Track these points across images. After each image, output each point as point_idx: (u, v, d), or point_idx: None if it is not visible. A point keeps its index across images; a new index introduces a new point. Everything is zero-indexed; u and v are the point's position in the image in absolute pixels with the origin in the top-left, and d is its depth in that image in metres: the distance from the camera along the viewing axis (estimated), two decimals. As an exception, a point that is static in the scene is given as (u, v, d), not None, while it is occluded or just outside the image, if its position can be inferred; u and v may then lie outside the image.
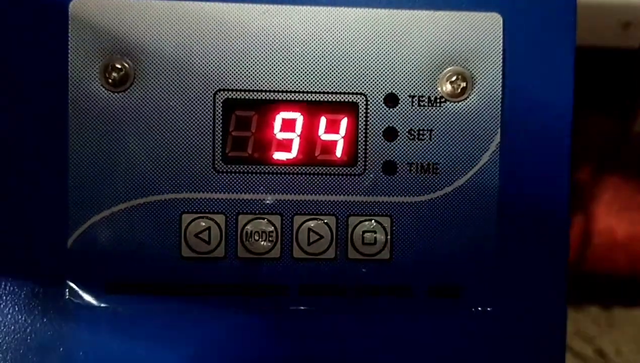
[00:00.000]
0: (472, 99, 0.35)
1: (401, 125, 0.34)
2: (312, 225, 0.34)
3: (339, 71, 0.34)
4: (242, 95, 0.34)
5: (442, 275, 0.35)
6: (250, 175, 0.34)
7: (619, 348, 0.67)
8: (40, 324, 0.34)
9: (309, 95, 0.34)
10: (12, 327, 0.34)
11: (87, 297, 0.34)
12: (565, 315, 0.35)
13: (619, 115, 0.61)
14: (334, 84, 0.34)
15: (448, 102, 0.34)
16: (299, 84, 0.34)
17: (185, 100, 0.34)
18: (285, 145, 0.34)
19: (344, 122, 0.34)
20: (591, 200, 0.65)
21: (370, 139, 0.35)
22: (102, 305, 0.34)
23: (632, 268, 0.66)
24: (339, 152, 0.35)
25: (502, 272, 0.35)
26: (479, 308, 0.35)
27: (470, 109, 0.35)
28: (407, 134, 0.35)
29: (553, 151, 0.35)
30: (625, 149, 0.65)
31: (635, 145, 0.65)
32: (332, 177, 0.34)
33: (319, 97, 0.34)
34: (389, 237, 0.34)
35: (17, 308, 0.34)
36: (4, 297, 0.34)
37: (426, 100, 0.34)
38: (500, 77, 0.34)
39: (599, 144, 0.65)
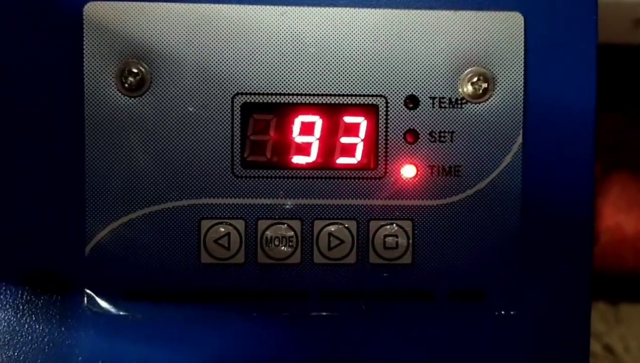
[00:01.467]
0: (494, 100, 0.34)
1: (422, 127, 0.34)
2: (332, 229, 0.34)
3: (358, 73, 0.34)
4: (261, 98, 0.34)
5: (465, 279, 0.34)
6: (269, 179, 0.34)
7: (627, 344, 0.67)
8: (59, 333, 0.34)
9: (328, 97, 0.34)
10: (30, 337, 0.33)
11: (106, 305, 0.34)
12: (590, 317, 0.35)
13: (629, 112, 0.61)
14: (354, 86, 0.34)
15: (469, 104, 0.34)
16: (318, 87, 0.34)
17: (203, 104, 0.33)
18: (305, 149, 0.34)
19: (363, 125, 0.34)
20: (599, 197, 0.64)
21: (390, 142, 0.34)
22: (121, 313, 0.34)
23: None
24: (358, 155, 0.34)
25: (525, 275, 0.34)
26: (502, 312, 0.34)
27: (491, 110, 0.34)
28: (428, 136, 0.34)
29: (576, 151, 0.34)
30: (633, 145, 0.64)
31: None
32: (352, 180, 0.34)
33: (338, 100, 0.34)
34: (410, 241, 0.34)
35: (34, 318, 0.33)
36: (22, 307, 0.33)
37: (447, 101, 0.34)
38: (522, 77, 0.34)
39: (607, 140, 0.65)
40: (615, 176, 0.65)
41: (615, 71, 0.59)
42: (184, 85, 0.33)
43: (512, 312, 0.35)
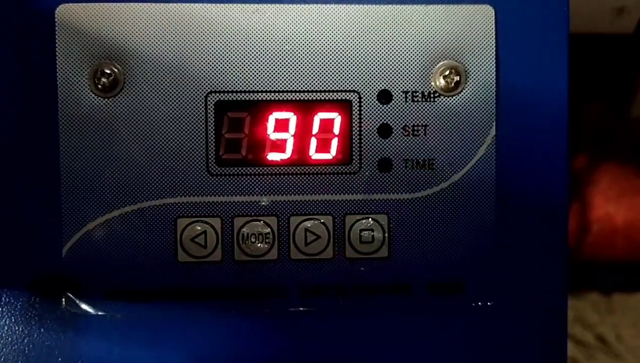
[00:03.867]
0: (466, 93, 0.34)
1: (395, 122, 0.34)
2: (308, 225, 0.34)
3: (330, 69, 0.34)
4: (234, 96, 0.34)
5: (442, 271, 0.35)
6: (244, 177, 0.34)
7: (620, 333, 0.67)
8: (38, 334, 0.34)
9: (302, 94, 0.34)
10: (10, 338, 0.34)
11: (84, 306, 0.34)
12: (566, 306, 0.35)
13: (615, 101, 0.61)
14: (326, 82, 0.34)
15: (442, 97, 0.34)
16: (291, 84, 0.34)
17: (177, 103, 0.33)
18: (279, 146, 0.34)
19: (337, 120, 0.34)
20: (588, 187, 0.64)
21: (364, 137, 0.34)
22: (100, 313, 0.34)
23: (631, 255, 0.65)
24: (333, 151, 0.34)
25: (502, 266, 0.35)
26: (480, 303, 0.35)
27: (464, 103, 0.34)
28: (401, 130, 0.34)
29: (550, 142, 0.35)
30: (620, 134, 0.65)
31: (631, 130, 0.65)
32: (328, 176, 0.34)
33: (312, 96, 0.34)
34: (386, 234, 0.34)
35: (13, 320, 0.34)
36: (1, 309, 0.34)
37: (420, 95, 0.34)
38: (494, 69, 0.34)
39: (595, 130, 0.65)
40: (604, 166, 0.65)
41: (599, 61, 0.59)
42: (157, 85, 0.33)
43: (489, 303, 0.35)
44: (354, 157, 0.34)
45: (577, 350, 0.66)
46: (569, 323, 0.69)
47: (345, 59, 0.34)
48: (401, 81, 0.34)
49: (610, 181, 0.65)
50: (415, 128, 0.34)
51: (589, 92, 0.61)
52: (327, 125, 0.34)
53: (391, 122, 0.34)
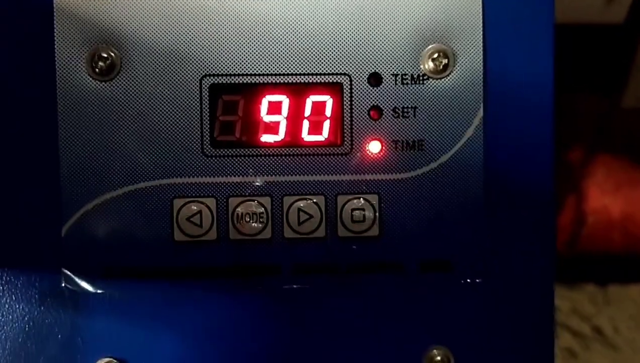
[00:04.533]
0: (455, 76, 0.35)
1: (386, 104, 0.35)
2: (301, 205, 0.35)
3: (322, 52, 0.35)
4: (228, 79, 0.35)
5: (432, 250, 0.35)
6: (238, 158, 0.35)
7: (616, 325, 0.67)
8: (38, 312, 0.35)
9: (294, 77, 0.35)
10: (11, 317, 0.35)
11: (83, 284, 0.35)
12: (553, 283, 0.36)
13: (607, 92, 0.61)
14: (318, 65, 0.35)
15: (431, 80, 0.35)
16: (284, 67, 0.35)
17: (172, 86, 0.34)
18: (272, 128, 0.35)
19: (329, 103, 0.35)
20: (584, 180, 0.65)
21: (355, 119, 0.35)
22: (98, 291, 0.35)
23: (628, 247, 0.66)
24: (325, 133, 0.35)
25: (490, 244, 0.36)
26: (469, 281, 0.36)
27: (453, 86, 0.35)
28: (391, 112, 0.35)
29: (536, 123, 0.35)
30: (615, 126, 0.65)
31: (624, 121, 0.65)
32: (320, 157, 0.35)
33: (304, 79, 0.35)
34: (377, 214, 0.35)
35: (14, 298, 0.35)
36: (2, 287, 0.34)
37: (409, 78, 0.35)
38: (481, 52, 0.35)
39: (589, 122, 0.65)
40: (600, 158, 0.65)
41: (589, 51, 0.60)
42: (153, 68, 0.34)
43: (478, 280, 0.36)
44: (345, 139, 0.35)
45: (574, 341, 0.66)
46: (565, 315, 0.69)
47: (336, 42, 0.35)
48: (391, 64, 0.35)
49: (606, 173, 0.65)
50: (405, 110, 0.35)
51: (581, 83, 0.61)
52: (319, 107, 0.35)
53: (381, 104, 0.35)
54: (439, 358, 0.35)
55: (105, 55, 0.34)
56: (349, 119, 0.35)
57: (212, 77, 0.35)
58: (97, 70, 0.34)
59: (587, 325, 0.67)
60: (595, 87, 0.62)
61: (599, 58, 0.61)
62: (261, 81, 0.35)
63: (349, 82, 0.35)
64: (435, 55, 0.35)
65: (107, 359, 0.34)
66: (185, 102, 0.34)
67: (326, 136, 0.35)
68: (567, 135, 0.67)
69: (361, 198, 0.35)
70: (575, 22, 0.53)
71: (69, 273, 0.35)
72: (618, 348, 0.66)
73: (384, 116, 0.35)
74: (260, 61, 0.35)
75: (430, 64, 0.35)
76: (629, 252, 0.66)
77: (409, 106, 0.35)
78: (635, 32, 0.57)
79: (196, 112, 0.34)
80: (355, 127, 0.35)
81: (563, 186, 0.65)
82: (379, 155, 0.35)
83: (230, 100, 0.35)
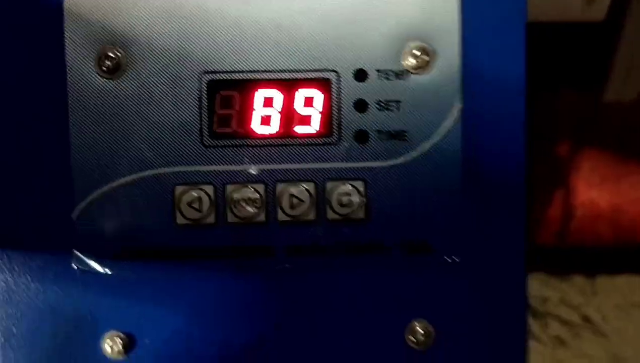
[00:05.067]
0: (435, 71, 0.38)
1: (370, 98, 0.38)
2: (293, 191, 0.38)
3: (311, 51, 0.38)
4: (225, 76, 0.38)
5: (414, 231, 0.38)
6: (235, 148, 0.38)
7: (605, 314, 0.68)
8: (51, 292, 0.38)
9: (286, 73, 0.38)
10: (26, 294, 0.37)
11: (94, 265, 0.38)
12: (524, 261, 0.38)
13: (589, 88, 0.63)
14: (308, 62, 0.38)
15: (412, 75, 0.38)
16: (276, 64, 0.38)
17: (174, 83, 0.37)
18: (266, 120, 0.38)
19: (318, 97, 0.38)
20: (571, 174, 0.66)
21: (343, 111, 0.38)
22: (107, 271, 0.38)
23: (616, 239, 0.67)
24: (315, 124, 0.38)
25: (467, 227, 0.38)
26: (447, 260, 0.38)
27: (433, 81, 0.38)
28: (376, 105, 0.38)
29: (510, 116, 0.38)
30: (599, 121, 0.66)
31: (609, 116, 0.66)
32: (310, 147, 0.38)
33: (295, 75, 0.38)
34: (364, 199, 0.38)
35: (29, 278, 0.37)
36: (17, 268, 0.37)
37: (392, 73, 0.38)
38: (459, 49, 0.38)
39: (574, 118, 0.66)
40: (586, 153, 0.66)
41: (570, 48, 0.62)
42: (156, 67, 0.37)
43: (456, 260, 0.38)
44: (333, 130, 0.38)
45: (563, 330, 0.68)
46: (554, 305, 0.71)
47: (324, 42, 0.38)
48: (375, 61, 0.38)
49: (592, 167, 0.66)
50: (389, 103, 0.38)
51: (564, 80, 0.63)
52: (309, 101, 0.38)
53: (367, 98, 0.38)
54: (419, 330, 0.38)
55: (112, 55, 0.37)
56: (337, 111, 0.38)
57: (210, 74, 0.37)
58: (104, 68, 0.37)
59: (576, 314, 0.68)
60: (578, 83, 0.63)
61: (581, 55, 0.63)
62: (255, 77, 0.38)
63: (336, 78, 0.38)
64: (417, 53, 0.38)
65: (113, 332, 0.37)
66: (186, 97, 0.37)
67: (316, 128, 0.38)
68: (553, 131, 0.68)
69: (349, 184, 0.38)
70: (557, 21, 0.55)
71: (79, 255, 0.38)
72: (606, 336, 0.67)
73: (369, 109, 0.38)
74: (254, 59, 0.37)
75: (412, 61, 0.38)
76: (616, 243, 0.68)
77: (392, 100, 0.38)
78: (614, 30, 0.59)
79: (196, 106, 0.37)
80: (343, 119, 0.38)
81: (551, 181, 0.66)
82: (365, 145, 0.38)
83: (227, 95, 0.38)
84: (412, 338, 0.38)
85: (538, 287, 0.70)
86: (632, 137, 0.67)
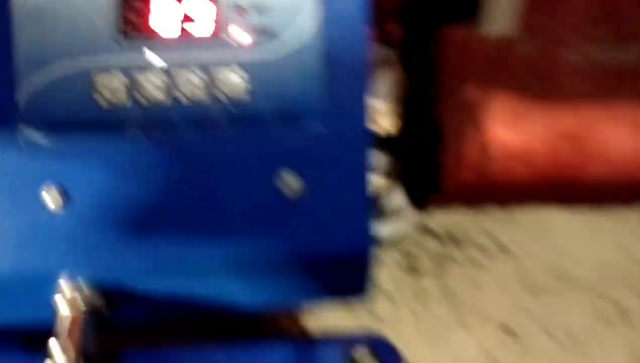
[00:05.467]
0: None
1: (247, 4, 0.47)
2: (190, 77, 0.48)
3: None
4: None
5: (288, 106, 0.48)
6: (146, 45, 0.48)
7: (519, 241, 0.75)
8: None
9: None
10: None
11: (34, 136, 0.47)
12: (369, 130, 0.48)
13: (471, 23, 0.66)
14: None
15: None
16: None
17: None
18: (167, 24, 0.48)
19: (209, 5, 0.48)
20: (483, 116, 0.70)
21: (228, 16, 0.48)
22: (45, 142, 0.47)
23: (529, 177, 0.73)
24: (209, 28, 0.48)
25: (329, 102, 0.48)
26: (315, 133, 0.49)
27: None
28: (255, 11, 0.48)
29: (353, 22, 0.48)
30: (510, 60, 0.69)
31: (516, 57, 0.69)
32: (204, 46, 0.47)
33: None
34: (248, 84, 0.48)
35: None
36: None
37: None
38: None
39: (480, 59, 0.69)
40: (494, 95, 0.70)
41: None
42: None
43: (323, 133, 0.49)
44: (222, 31, 0.48)
45: (480, 255, 0.75)
46: (474, 233, 0.78)
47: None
48: None
49: (503, 107, 0.69)
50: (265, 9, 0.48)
51: (446, 17, 0.69)
52: (202, 9, 0.48)
53: (244, 5, 0.47)
54: (290, 181, 0.48)
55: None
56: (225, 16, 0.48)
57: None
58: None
59: (493, 244, 0.74)
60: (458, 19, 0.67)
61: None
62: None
63: None
64: None
65: (50, 184, 0.47)
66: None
67: (210, 32, 0.48)
68: (462, 72, 0.72)
69: (235, 73, 0.48)
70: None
71: (24, 126, 0.47)
72: (519, 259, 0.74)
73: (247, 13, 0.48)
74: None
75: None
76: (530, 183, 0.73)
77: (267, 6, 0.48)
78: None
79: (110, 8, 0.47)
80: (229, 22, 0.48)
81: (464, 122, 0.72)
82: (247, 44, 0.48)
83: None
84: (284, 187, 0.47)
85: (460, 218, 0.78)
86: (533, 77, 0.71)
